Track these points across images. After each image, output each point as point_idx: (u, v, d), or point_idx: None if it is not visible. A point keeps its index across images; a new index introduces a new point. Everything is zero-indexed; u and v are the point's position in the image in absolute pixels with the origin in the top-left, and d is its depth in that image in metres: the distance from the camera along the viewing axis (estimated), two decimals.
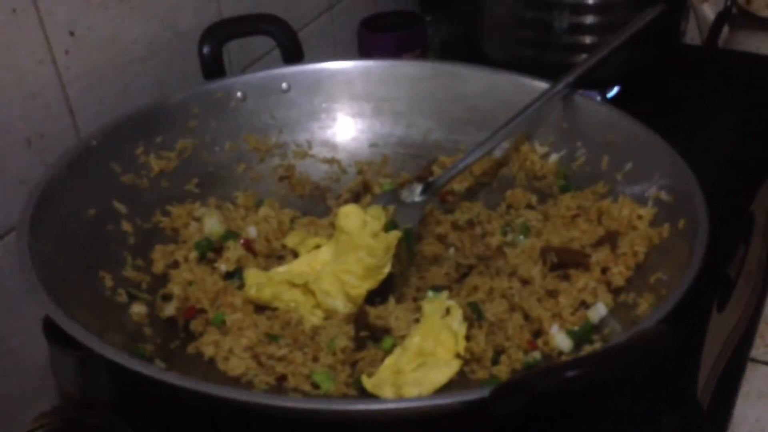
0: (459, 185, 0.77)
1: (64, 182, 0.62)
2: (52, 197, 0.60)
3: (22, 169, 0.66)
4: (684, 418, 0.56)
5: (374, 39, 1.00)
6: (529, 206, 0.72)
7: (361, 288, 0.63)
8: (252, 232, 0.70)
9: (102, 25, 0.72)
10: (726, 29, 1.16)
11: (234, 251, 0.66)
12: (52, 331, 0.67)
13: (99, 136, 0.68)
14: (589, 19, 0.88)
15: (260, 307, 0.63)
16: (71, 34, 0.69)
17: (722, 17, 1.15)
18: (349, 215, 0.66)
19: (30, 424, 0.67)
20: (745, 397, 0.61)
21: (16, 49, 0.65)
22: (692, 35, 1.21)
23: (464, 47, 0.91)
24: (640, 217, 0.61)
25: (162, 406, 0.62)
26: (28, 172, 0.66)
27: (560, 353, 0.54)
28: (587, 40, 0.88)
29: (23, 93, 0.66)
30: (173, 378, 0.45)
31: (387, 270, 0.64)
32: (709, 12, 1.19)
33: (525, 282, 0.60)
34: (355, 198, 0.77)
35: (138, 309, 0.60)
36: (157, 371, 0.46)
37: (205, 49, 0.79)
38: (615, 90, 0.84)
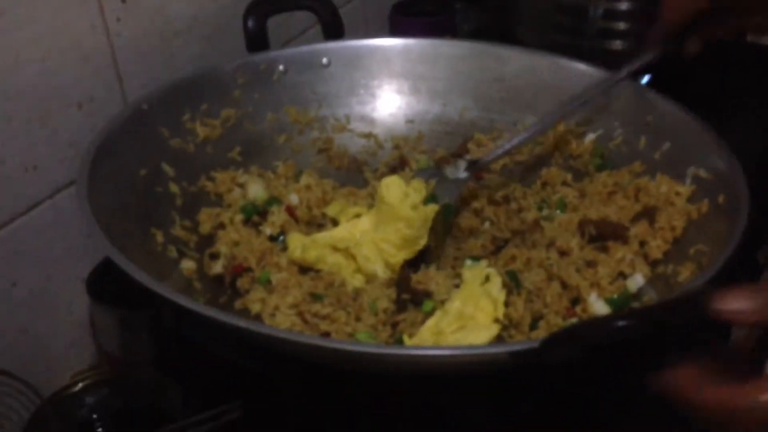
0: (494, 163, 0.78)
1: (117, 142, 0.64)
2: (106, 155, 0.62)
3: (73, 131, 0.69)
4: None
5: (405, 23, 1.01)
6: (565, 184, 0.73)
7: (398, 257, 0.65)
8: (294, 199, 0.72)
9: None
10: None
11: (278, 216, 0.68)
12: (95, 289, 0.70)
13: (149, 101, 0.70)
14: (624, 5, 0.90)
15: (303, 269, 0.65)
16: (123, 1, 0.71)
17: None
18: (391, 186, 0.67)
19: (70, 380, 0.70)
20: None
21: (71, 13, 0.67)
22: None
23: (493, 35, 0.93)
24: (678, 193, 0.63)
25: (201, 365, 0.64)
26: (79, 135, 0.69)
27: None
28: (621, 26, 0.90)
29: (76, 57, 0.68)
30: (233, 319, 0.47)
31: (423, 242, 0.66)
32: None
33: (563, 253, 0.61)
34: (392, 171, 0.78)
35: (187, 264, 0.62)
36: (217, 312, 0.47)
37: (250, 22, 0.81)
38: (646, 78, 0.85)
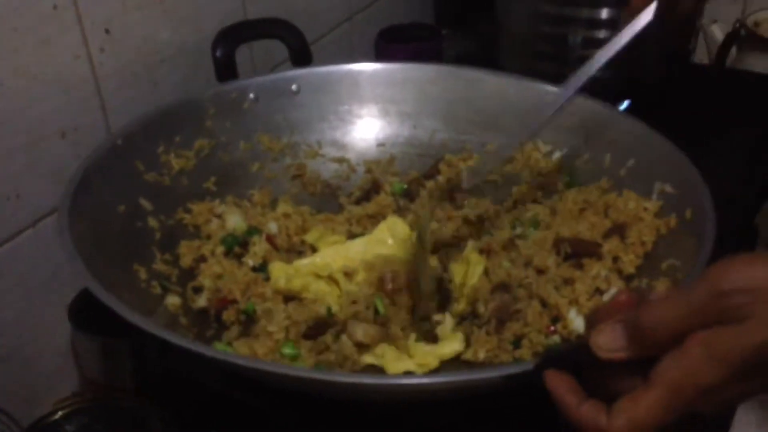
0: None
1: (95, 180, 0.64)
2: (86, 194, 0.62)
3: (57, 160, 0.70)
4: None
5: (390, 49, 1.03)
6: (536, 201, 0.75)
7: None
8: (273, 227, 0.72)
9: (136, 26, 0.75)
10: (734, 50, 1.19)
11: (260, 246, 0.68)
12: (77, 316, 0.69)
13: (123, 136, 0.70)
14: (602, 34, 0.93)
15: (288, 297, 0.65)
16: (107, 32, 0.72)
17: (731, 38, 1.18)
18: (394, 227, 0.69)
19: (52, 407, 0.70)
20: None
21: (55, 44, 0.67)
22: (701, 55, 1.25)
23: (479, 60, 0.96)
24: (645, 209, 0.65)
25: (182, 392, 0.64)
26: (62, 164, 0.69)
27: (578, 336, 0.58)
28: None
29: (60, 87, 0.69)
30: (218, 354, 0.47)
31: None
32: (718, 33, 1.22)
33: (540, 271, 0.63)
34: (366, 195, 0.80)
35: (172, 300, 0.62)
36: (202, 347, 0.48)
37: (218, 52, 0.82)
38: (625, 104, 0.88)
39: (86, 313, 0.69)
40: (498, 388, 0.45)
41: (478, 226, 0.74)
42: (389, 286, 0.61)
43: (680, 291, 0.40)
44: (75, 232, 0.57)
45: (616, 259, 0.63)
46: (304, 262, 0.67)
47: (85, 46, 0.71)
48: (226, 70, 0.82)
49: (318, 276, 0.66)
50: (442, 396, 0.47)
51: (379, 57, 1.09)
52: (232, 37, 0.82)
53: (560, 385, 0.42)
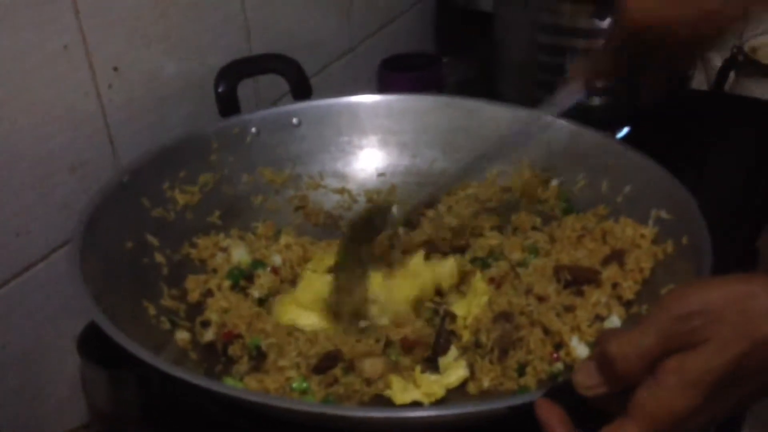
0: (465, 210, 0.82)
1: (102, 218, 0.65)
2: (93, 232, 0.63)
3: (66, 194, 0.71)
4: None
5: (392, 78, 1.06)
6: (535, 228, 0.77)
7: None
8: (277, 260, 0.74)
9: (143, 62, 0.77)
10: (732, 75, 1.21)
11: (265, 278, 0.70)
12: (86, 348, 0.70)
13: (130, 172, 0.71)
14: None
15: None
16: (115, 69, 0.74)
17: (729, 64, 1.19)
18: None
19: None
20: None
21: (65, 82, 0.69)
22: (699, 81, 1.25)
23: (480, 88, 0.98)
24: (642, 235, 0.67)
25: (188, 422, 0.65)
26: (71, 198, 0.71)
27: None
28: (599, 83, 0.94)
29: (69, 123, 0.70)
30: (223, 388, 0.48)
31: None
32: (716, 59, 1.24)
33: (541, 299, 0.65)
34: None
35: (182, 335, 0.63)
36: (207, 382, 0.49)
37: (221, 88, 0.83)
38: (624, 131, 0.90)
39: (95, 344, 0.70)
40: (504, 418, 0.47)
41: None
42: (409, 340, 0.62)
43: (642, 320, 0.42)
44: (85, 268, 0.58)
45: (615, 285, 0.64)
46: (303, 292, 0.68)
47: (94, 83, 0.72)
48: (228, 105, 0.84)
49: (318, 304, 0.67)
50: (449, 426, 0.48)
51: (382, 85, 1.11)
52: (233, 73, 0.84)
53: (551, 416, 0.43)
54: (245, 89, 0.85)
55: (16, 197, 0.67)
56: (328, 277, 0.70)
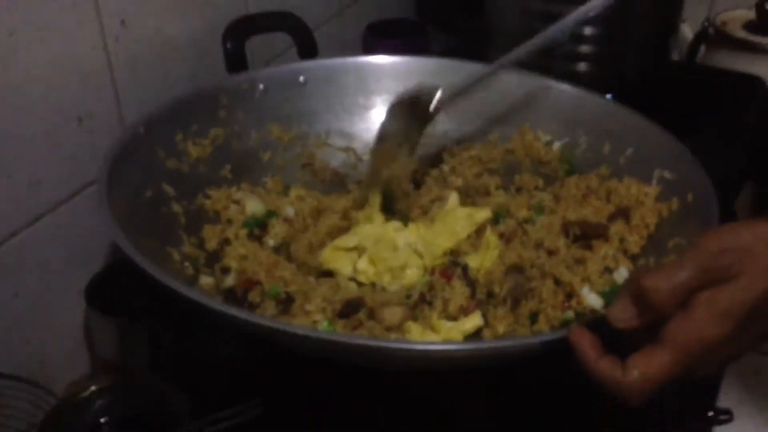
0: (469, 170, 0.84)
1: (121, 166, 0.66)
2: (116, 176, 0.63)
3: (73, 146, 0.71)
4: None
5: (377, 44, 1.07)
6: (537, 189, 0.80)
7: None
8: (290, 212, 0.75)
9: (149, 17, 0.77)
10: (703, 48, 1.25)
11: (280, 227, 0.71)
12: (93, 297, 0.71)
13: (144, 124, 0.72)
14: (588, 30, 0.98)
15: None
16: (122, 22, 0.74)
17: (700, 37, 1.24)
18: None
19: (65, 390, 0.71)
20: None
21: (73, 34, 0.69)
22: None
23: (465, 56, 1.00)
24: (646, 194, 0.70)
25: (199, 374, 0.66)
26: (78, 150, 0.71)
27: (593, 311, 0.63)
28: (586, 49, 0.98)
29: (77, 75, 0.70)
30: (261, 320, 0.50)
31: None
32: (688, 31, 1.28)
33: (551, 253, 0.68)
34: None
35: (206, 281, 0.65)
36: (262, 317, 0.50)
37: (229, 44, 0.84)
38: (608, 97, 0.93)
39: (102, 295, 0.71)
40: (536, 354, 0.49)
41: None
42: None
43: (675, 259, 0.45)
44: (114, 207, 0.59)
45: (622, 240, 0.68)
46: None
47: (102, 36, 0.72)
48: (236, 61, 0.84)
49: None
50: (483, 362, 0.51)
51: (366, 51, 1.12)
52: (242, 30, 0.85)
53: (582, 340, 0.46)
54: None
55: (29, 147, 0.67)
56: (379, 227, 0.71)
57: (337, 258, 0.68)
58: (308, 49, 0.89)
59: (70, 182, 0.71)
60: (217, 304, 0.50)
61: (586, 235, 0.68)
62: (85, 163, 0.72)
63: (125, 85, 0.76)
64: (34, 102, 0.67)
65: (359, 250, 0.69)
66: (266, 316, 0.60)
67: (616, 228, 0.68)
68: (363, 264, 0.67)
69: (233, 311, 0.50)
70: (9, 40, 0.63)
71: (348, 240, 0.69)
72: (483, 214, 0.72)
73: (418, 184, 0.83)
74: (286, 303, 0.63)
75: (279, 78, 0.85)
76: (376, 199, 0.74)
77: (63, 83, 0.69)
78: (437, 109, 0.74)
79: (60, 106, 0.69)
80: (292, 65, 0.87)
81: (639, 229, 0.67)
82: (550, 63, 0.99)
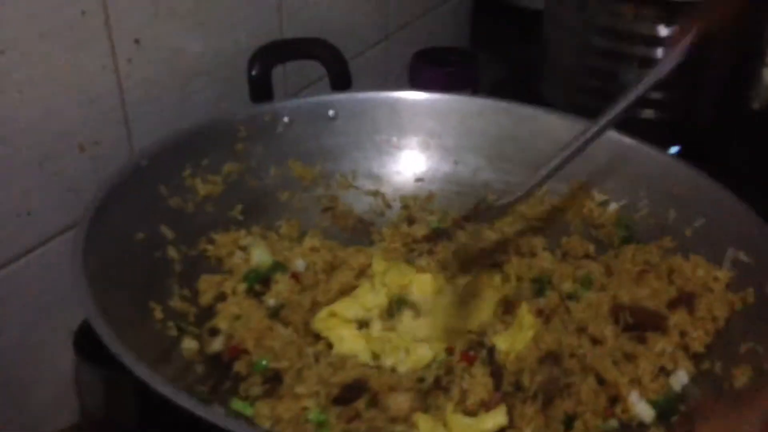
0: (509, 228, 0.74)
1: (113, 205, 0.59)
2: (103, 218, 0.56)
3: (73, 175, 0.65)
4: None
5: (425, 72, 0.99)
6: (587, 256, 0.69)
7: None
8: (300, 265, 0.67)
9: (168, 36, 0.71)
10: None
11: (283, 284, 0.63)
12: (82, 344, 0.64)
13: (149, 156, 0.65)
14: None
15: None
16: (136, 42, 0.68)
17: None
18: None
19: None
20: None
21: (80, 52, 0.63)
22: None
23: (517, 89, 0.91)
24: (716, 278, 0.59)
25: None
26: (79, 179, 0.65)
27: (641, 423, 0.52)
28: (654, 94, 0.85)
29: (82, 98, 0.65)
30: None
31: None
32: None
33: (596, 342, 0.57)
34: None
35: (189, 345, 0.57)
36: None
37: (254, 71, 0.77)
38: (675, 150, 0.82)
39: (92, 341, 0.63)
40: None
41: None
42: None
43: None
44: (88, 259, 0.52)
45: (683, 334, 0.57)
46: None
47: (112, 56, 0.67)
48: (260, 90, 0.77)
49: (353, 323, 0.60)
50: None
51: (413, 79, 1.04)
52: (270, 56, 0.78)
53: None
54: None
55: (18, 174, 0.61)
56: (382, 295, 0.62)
57: (333, 326, 0.59)
58: (341, 79, 0.81)
59: (66, 214, 0.65)
60: (175, 395, 0.42)
61: (639, 324, 0.57)
62: (85, 193, 0.65)
63: (137, 111, 0.70)
64: (28, 126, 0.61)
65: (359, 321, 0.60)
66: (237, 406, 0.51)
67: (677, 318, 0.57)
68: (362, 341, 0.58)
69: (184, 401, 0.41)
70: (0, 58, 0.57)
71: (347, 308, 0.60)
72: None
73: (449, 235, 0.74)
74: (273, 381, 0.54)
75: (306, 110, 0.77)
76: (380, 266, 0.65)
77: (62, 106, 0.63)
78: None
79: (59, 132, 0.64)
80: (321, 97, 0.79)
81: (705, 322, 0.56)
82: (613, 87, 0.90)
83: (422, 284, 0.64)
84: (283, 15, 0.86)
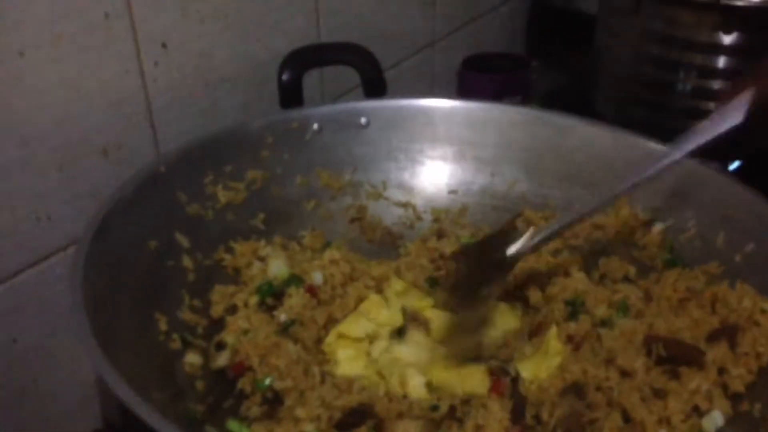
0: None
1: (127, 210, 0.58)
2: (113, 226, 0.56)
3: (95, 179, 0.65)
4: None
5: (473, 79, 0.96)
6: (627, 279, 0.64)
7: None
8: (318, 278, 0.64)
9: (196, 40, 0.70)
10: None
11: (297, 299, 0.60)
12: None
13: (167, 162, 0.63)
14: (717, 84, 0.81)
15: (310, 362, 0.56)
16: (163, 45, 0.67)
17: None
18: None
19: None
20: None
21: (103, 55, 0.63)
22: None
23: (571, 99, 0.87)
24: (764, 311, 0.53)
25: None
26: (101, 184, 0.64)
27: None
28: (713, 106, 0.79)
29: (105, 101, 0.64)
30: None
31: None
32: None
33: (625, 374, 0.52)
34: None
35: (192, 359, 0.55)
36: None
37: (285, 76, 0.75)
38: (737, 164, 0.76)
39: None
40: None
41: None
42: None
43: None
44: (90, 270, 0.50)
45: (721, 370, 0.51)
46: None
47: (138, 59, 0.66)
48: (291, 96, 0.75)
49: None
50: None
51: (461, 86, 1.02)
52: (301, 61, 0.76)
53: None
54: (308, 78, 0.76)
55: (39, 179, 0.61)
56: (394, 308, 0.59)
57: (341, 347, 0.56)
58: (375, 86, 0.78)
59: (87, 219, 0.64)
60: (158, 422, 0.39)
61: (673, 357, 0.52)
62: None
63: (163, 115, 0.70)
64: (47, 130, 0.61)
65: (370, 337, 0.57)
66: (234, 428, 0.49)
67: (717, 353, 0.52)
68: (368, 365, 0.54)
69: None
70: (19, 61, 0.58)
71: (354, 327, 0.56)
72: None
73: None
74: (273, 402, 0.51)
75: (336, 117, 0.75)
76: (397, 285, 0.61)
77: (85, 110, 0.63)
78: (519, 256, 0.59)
79: (81, 135, 0.63)
80: (353, 103, 0.77)
81: (748, 359, 0.51)
82: (663, 120, 0.84)
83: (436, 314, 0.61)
84: (320, 19, 0.84)
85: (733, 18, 0.78)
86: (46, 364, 0.66)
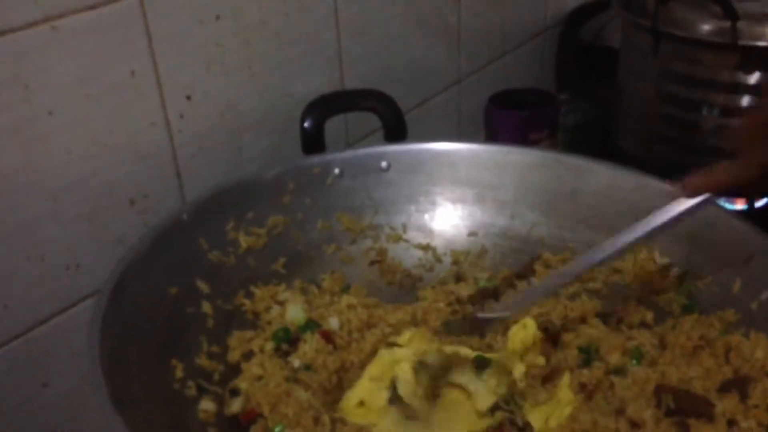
0: (563, 288, 0.70)
1: (146, 262, 0.59)
2: (131, 279, 0.57)
3: (122, 228, 0.67)
4: None
5: (500, 116, 0.96)
6: (644, 324, 0.64)
7: None
8: (334, 323, 0.65)
9: (219, 91, 0.72)
10: None
11: (311, 344, 0.61)
12: None
13: (190, 211, 0.66)
14: (738, 123, 0.80)
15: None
16: (188, 98, 0.69)
17: None
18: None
19: None
20: None
21: (130, 110, 0.65)
22: None
23: (599, 133, 0.86)
24: None
25: None
26: (128, 232, 0.67)
27: None
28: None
29: (132, 154, 0.66)
30: None
31: None
32: None
33: (634, 425, 0.52)
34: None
35: (206, 406, 0.56)
36: None
37: (307, 123, 0.77)
38: (765, 201, 0.74)
39: None
40: None
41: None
42: None
43: None
44: (109, 319, 0.52)
45: (731, 423, 0.50)
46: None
47: (164, 112, 0.69)
48: (312, 142, 0.77)
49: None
50: None
51: (487, 124, 1.02)
52: (322, 109, 0.78)
53: None
54: (332, 122, 0.78)
55: (68, 229, 0.63)
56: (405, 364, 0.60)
57: (362, 415, 0.56)
58: (396, 131, 0.80)
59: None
60: None
61: (682, 409, 0.51)
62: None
63: (189, 164, 0.72)
64: (76, 183, 0.63)
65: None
66: None
67: (727, 405, 0.51)
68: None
69: None
70: (48, 119, 0.60)
71: (376, 396, 0.57)
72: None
73: (496, 295, 0.70)
74: None
75: (357, 162, 0.76)
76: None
77: (112, 163, 0.65)
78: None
79: (108, 187, 0.66)
80: (374, 148, 0.78)
81: (759, 413, 0.50)
82: (687, 158, 0.84)
83: None
84: (343, 64, 0.86)
85: (752, 58, 0.77)
86: (76, 412, 0.67)
